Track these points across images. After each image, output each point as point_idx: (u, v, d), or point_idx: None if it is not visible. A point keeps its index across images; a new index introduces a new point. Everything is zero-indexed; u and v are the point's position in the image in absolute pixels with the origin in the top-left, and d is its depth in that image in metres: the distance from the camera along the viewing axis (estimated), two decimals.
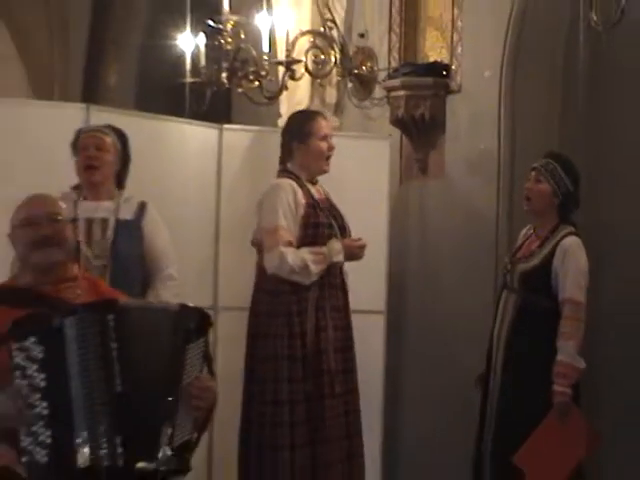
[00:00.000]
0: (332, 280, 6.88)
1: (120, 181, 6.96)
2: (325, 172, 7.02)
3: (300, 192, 6.82)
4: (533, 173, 6.94)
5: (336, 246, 6.80)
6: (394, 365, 9.73)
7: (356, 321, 8.02)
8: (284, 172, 6.97)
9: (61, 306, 4.58)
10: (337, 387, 6.86)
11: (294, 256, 6.67)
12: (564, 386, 6.56)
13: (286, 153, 7.03)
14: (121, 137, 6.98)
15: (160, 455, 4.43)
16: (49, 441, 4.33)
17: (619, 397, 8.71)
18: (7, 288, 4.95)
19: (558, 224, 6.85)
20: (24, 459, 4.34)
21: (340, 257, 6.85)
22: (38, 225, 4.82)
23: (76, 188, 6.84)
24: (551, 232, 6.82)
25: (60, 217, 4.92)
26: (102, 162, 6.79)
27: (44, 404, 4.35)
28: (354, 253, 6.93)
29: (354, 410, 6.97)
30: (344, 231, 6.96)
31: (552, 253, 6.74)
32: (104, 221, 6.70)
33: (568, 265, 6.69)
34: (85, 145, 6.82)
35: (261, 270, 6.90)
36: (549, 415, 6.54)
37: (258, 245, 7.00)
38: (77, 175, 6.91)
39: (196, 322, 4.64)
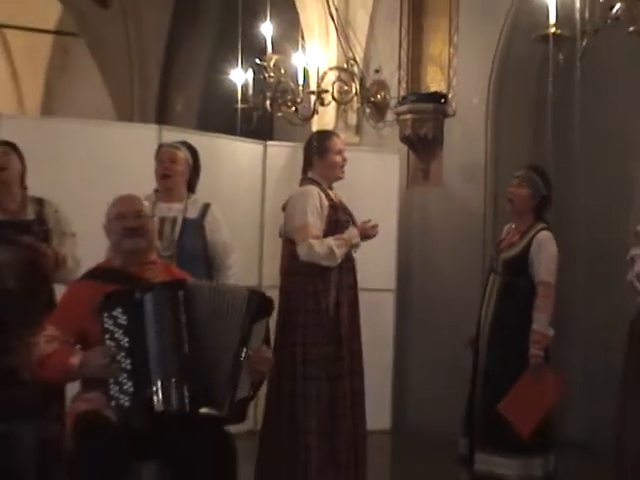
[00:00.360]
0: (347, 264, 6.87)
1: (191, 187, 6.99)
2: (340, 179, 6.99)
3: (323, 196, 6.82)
4: (515, 180, 6.93)
5: (353, 231, 6.79)
6: (402, 332, 9.78)
7: (372, 297, 8.03)
8: (307, 180, 6.95)
9: (142, 284, 4.64)
10: (346, 350, 6.87)
11: (321, 245, 6.66)
12: (538, 350, 6.56)
13: (307, 165, 7.00)
14: (192, 151, 7.01)
15: (224, 404, 4.48)
16: (131, 390, 4.38)
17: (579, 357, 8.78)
18: (102, 268, 5.01)
19: (534, 221, 6.85)
20: (112, 403, 4.40)
21: (357, 239, 6.83)
22: (127, 219, 4.89)
23: (157, 191, 6.90)
24: (528, 227, 6.81)
25: (144, 213, 5.00)
26: (174, 172, 6.82)
27: (127, 361, 4.40)
28: (368, 233, 6.90)
29: (359, 371, 6.96)
30: (355, 226, 6.98)
31: (529, 244, 6.73)
32: (174, 219, 6.71)
33: (542, 254, 6.69)
34: (161, 158, 6.86)
35: (290, 256, 6.88)
36: (526, 373, 6.54)
37: (285, 237, 7.01)
38: (156, 181, 6.97)
39: (262, 305, 4.68)
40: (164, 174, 6.82)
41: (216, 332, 4.50)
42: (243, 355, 4.53)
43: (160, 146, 7.08)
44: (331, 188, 6.96)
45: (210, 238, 6.78)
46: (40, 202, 6.46)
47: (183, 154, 6.84)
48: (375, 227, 6.92)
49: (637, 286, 6.25)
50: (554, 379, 6.68)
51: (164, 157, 6.84)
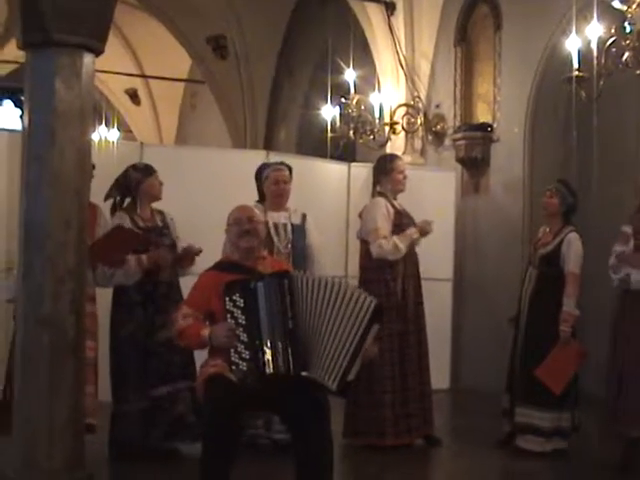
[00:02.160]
0: (411, 259, 6.86)
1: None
2: (402, 192, 6.98)
3: (389, 205, 6.82)
4: (548, 192, 6.90)
5: (412, 229, 6.78)
6: (458, 312, 9.76)
7: (434, 285, 8.00)
8: (378, 193, 6.97)
9: (255, 274, 4.67)
10: (414, 326, 6.86)
11: (388, 244, 6.66)
12: (567, 327, 6.51)
13: (376, 181, 7.00)
14: (290, 169, 6.95)
15: (340, 384, 4.44)
16: (247, 357, 4.42)
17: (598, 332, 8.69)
18: (225, 262, 5.06)
19: (564, 224, 6.81)
20: (233, 368, 4.44)
21: (417, 235, 6.82)
22: (242, 223, 4.91)
23: (259, 202, 6.81)
24: (559, 229, 6.77)
25: (255, 218, 5.00)
26: (286, 191, 6.71)
27: (244, 334, 4.44)
28: (425, 229, 6.88)
29: (424, 342, 6.94)
30: (414, 225, 6.95)
31: (561, 243, 6.70)
32: (284, 225, 6.66)
33: (570, 251, 6.64)
34: (277, 180, 6.69)
35: (366, 254, 6.86)
36: (557, 345, 6.50)
37: (361, 239, 7.01)
38: (268, 193, 6.85)
39: (380, 315, 4.63)
40: (280, 193, 6.75)
41: (327, 318, 4.46)
42: (362, 347, 4.49)
43: (266, 166, 6.93)
44: (395, 199, 6.96)
45: (308, 239, 6.77)
46: (161, 212, 6.55)
47: (288, 173, 6.80)
48: (430, 223, 6.90)
49: (610, 274, 6.26)
50: (579, 349, 6.63)
51: (280, 179, 6.71)
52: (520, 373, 6.74)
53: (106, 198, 6.49)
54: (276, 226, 6.59)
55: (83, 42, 4.63)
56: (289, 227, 6.67)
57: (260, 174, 6.82)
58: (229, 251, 5.33)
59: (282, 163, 6.94)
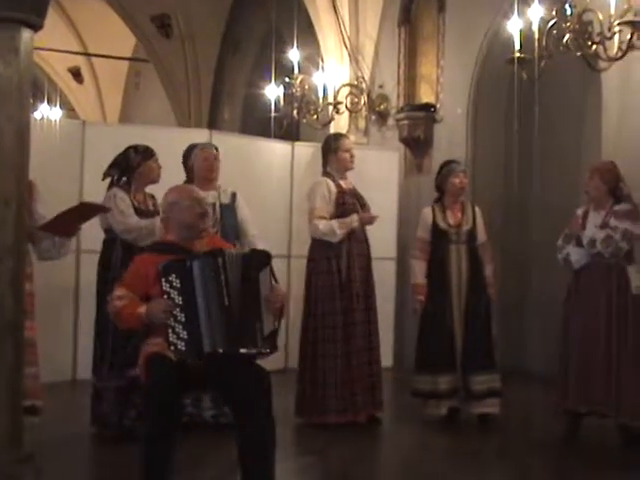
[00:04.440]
0: (359, 236, 6.87)
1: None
2: (351, 169, 6.99)
3: (332, 185, 6.81)
4: (462, 173, 7.02)
5: (354, 217, 6.78)
6: (401, 291, 9.77)
7: (378, 264, 7.97)
8: (324, 173, 6.97)
9: (191, 254, 4.59)
10: (361, 304, 6.87)
11: (324, 225, 6.68)
12: (494, 288, 6.94)
13: (325, 161, 7.02)
14: (217, 150, 6.94)
15: (257, 342, 4.47)
16: (185, 337, 4.38)
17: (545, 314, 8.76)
18: (160, 243, 4.97)
19: (463, 201, 7.08)
20: (171, 348, 4.40)
21: (356, 224, 6.83)
22: (196, 207, 4.77)
23: (186, 182, 6.72)
24: (462, 206, 7.02)
25: (205, 200, 4.96)
26: (216, 168, 6.76)
27: (182, 314, 4.40)
28: (366, 221, 6.90)
29: (374, 321, 6.96)
30: (364, 208, 6.96)
31: (475, 217, 6.98)
32: (212, 204, 6.63)
33: (482, 222, 7.01)
34: (208, 157, 6.73)
35: None
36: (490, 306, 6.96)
37: None
38: (198, 172, 6.73)
39: (262, 258, 4.64)
40: (211, 168, 6.75)
41: (242, 286, 4.49)
42: (259, 298, 4.50)
43: (194, 146, 6.88)
44: (344, 178, 6.96)
45: (239, 216, 6.77)
46: (153, 197, 6.54)
47: (216, 152, 6.80)
48: (373, 217, 6.94)
49: (558, 255, 6.42)
50: None
51: (210, 157, 6.74)
52: (470, 345, 6.83)
53: (104, 177, 6.47)
54: None
55: (21, 17, 4.51)
56: (217, 206, 6.66)
57: (189, 155, 6.82)
58: (164, 232, 5.23)
59: (209, 144, 6.96)
